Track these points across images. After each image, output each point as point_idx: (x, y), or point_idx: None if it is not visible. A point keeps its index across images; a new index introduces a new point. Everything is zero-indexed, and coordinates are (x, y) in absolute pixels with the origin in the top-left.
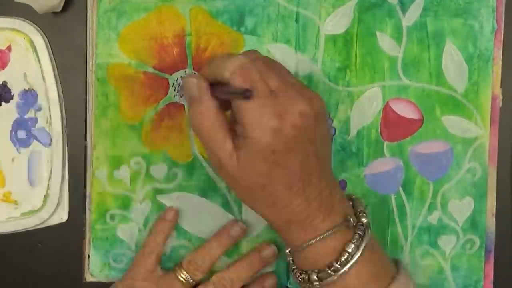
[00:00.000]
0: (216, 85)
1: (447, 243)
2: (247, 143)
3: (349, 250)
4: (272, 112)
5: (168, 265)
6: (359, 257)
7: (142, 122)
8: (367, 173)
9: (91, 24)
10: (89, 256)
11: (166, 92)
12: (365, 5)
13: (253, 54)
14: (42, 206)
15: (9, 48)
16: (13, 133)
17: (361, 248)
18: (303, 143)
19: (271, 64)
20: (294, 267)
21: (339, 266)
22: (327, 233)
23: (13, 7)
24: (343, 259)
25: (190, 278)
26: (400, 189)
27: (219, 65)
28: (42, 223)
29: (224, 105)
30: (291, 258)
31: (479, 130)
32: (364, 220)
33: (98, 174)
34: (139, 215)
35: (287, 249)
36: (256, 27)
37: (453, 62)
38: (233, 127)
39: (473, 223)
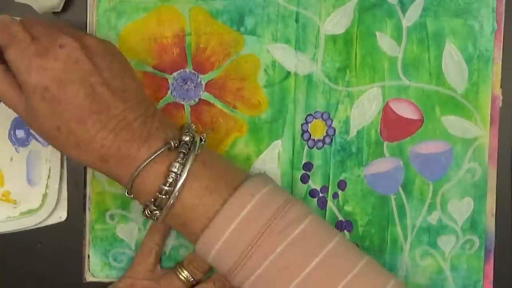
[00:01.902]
0: None
1: (446, 243)
2: (24, 89)
3: (175, 170)
4: (33, 53)
5: (168, 264)
6: (188, 174)
7: None
8: (367, 173)
9: (91, 24)
10: (89, 256)
11: (166, 92)
12: (365, 5)
13: (26, 19)
14: (41, 205)
15: None
16: (12, 132)
17: (188, 164)
18: (79, 75)
19: (40, 20)
20: (142, 209)
21: (169, 188)
22: (148, 160)
23: (13, 7)
24: (170, 180)
25: (191, 277)
26: (400, 189)
27: None
28: (41, 222)
29: None
30: (132, 197)
31: (478, 130)
32: (186, 138)
33: (98, 174)
34: (139, 215)
35: (124, 191)
36: (256, 27)
37: (453, 63)
38: None
39: (473, 223)
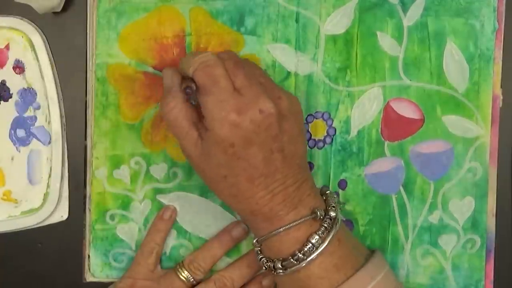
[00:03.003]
0: (185, 80)
1: (448, 242)
2: (208, 135)
3: (313, 241)
4: (231, 107)
5: (168, 264)
6: (324, 248)
7: (141, 121)
8: (368, 173)
9: (91, 24)
10: (89, 256)
11: None
12: (366, 5)
13: (225, 54)
14: (42, 204)
15: (7, 47)
16: (12, 131)
17: (327, 240)
18: (265, 139)
19: (240, 64)
20: (261, 256)
21: (302, 256)
22: (292, 224)
23: (13, 7)
24: (306, 249)
25: (191, 277)
26: (401, 188)
27: (187, 61)
28: (43, 221)
29: None
30: (258, 247)
31: (479, 129)
32: (332, 214)
33: (98, 174)
34: (139, 215)
35: (255, 239)
36: (256, 27)
37: (454, 62)
38: (203, 120)
39: (474, 223)
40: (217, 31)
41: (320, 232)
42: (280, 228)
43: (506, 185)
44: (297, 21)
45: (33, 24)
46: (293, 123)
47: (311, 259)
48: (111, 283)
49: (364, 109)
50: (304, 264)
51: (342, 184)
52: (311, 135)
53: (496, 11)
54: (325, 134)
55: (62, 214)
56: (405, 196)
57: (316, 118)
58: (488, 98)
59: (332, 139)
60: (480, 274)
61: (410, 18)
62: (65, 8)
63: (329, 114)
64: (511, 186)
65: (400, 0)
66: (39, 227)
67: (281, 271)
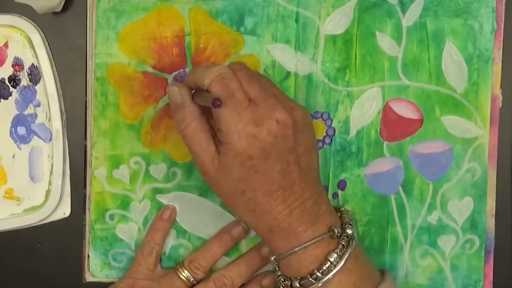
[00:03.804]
0: (197, 93)
1: (446, 243)
2: (225, 148)
3: (331, 260)
4: (248, 119)
5: (168, 264)
6: (341, 266)
7: (141, 121)
8: (367, 173)
9: (90, 24)
10: (89, 256)
11: (165, 92)
12: (365, 5)
13: (237, 65)
14: (44, 201)
15: (6, 45)
16: (13, 129)
17: (344, 258)
18: (282, 151)
19: (254, 76)
20: (279, 274)
21: (320, 275)
22: (310, 242)
23: (13, 7)
24: (324, 268)
25: (191, 277)
26: (400, 189)
27: (201, 73)
28: (45, 218)
29: (209, 113)
30: (276, 264)
31: (478, 130)
32: (349, 231)
33: (97, 173)
34: (139, 215)
35: (272, 256)
36: (256, 27)
37: (452, 62)
38: (217, 133)
39: (473, 223)
40: (216, 31)
41: (337, 250)
42: (299, 246)
43: (505, 186)
44: (296, 21)
45: (30, 21)
46: (307, 135)
47: (329, 278)
48: (111, 283)
49: (363, 109)
50: (321, 283)
51: (341, 185)
52: None
53: (494, 12)
54: (324, 134)
55: (64, 211)
56: (404, 197)
57: (315, 118)
58: (487, 98)
59: (331, 139)
60: (479, 274)
61: (409, 18)
62: (65, 8)
63: (329, 114)
64: (510, 187)
65: (399, 0)
66: (39, 226)
67: None
